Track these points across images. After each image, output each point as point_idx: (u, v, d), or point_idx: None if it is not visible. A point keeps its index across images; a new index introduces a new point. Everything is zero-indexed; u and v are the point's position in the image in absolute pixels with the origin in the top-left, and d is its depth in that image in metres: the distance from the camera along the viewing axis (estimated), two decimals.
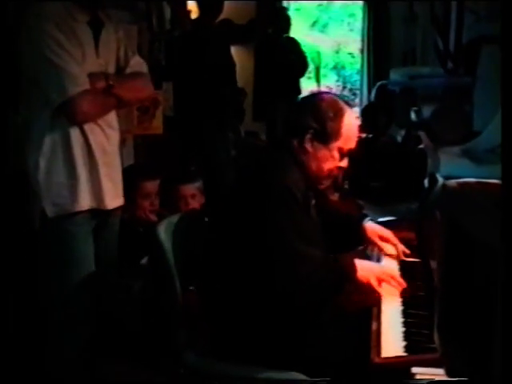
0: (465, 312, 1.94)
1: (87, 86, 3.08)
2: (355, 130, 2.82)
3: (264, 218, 2.56)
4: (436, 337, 2.13)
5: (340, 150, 2.75)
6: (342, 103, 2.80)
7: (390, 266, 2.94)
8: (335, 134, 2.72)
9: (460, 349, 1.93)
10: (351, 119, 2.79)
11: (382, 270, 2.74)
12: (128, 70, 3.33)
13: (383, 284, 2.65)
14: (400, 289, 2.66)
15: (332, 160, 2.76)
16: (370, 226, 3.15)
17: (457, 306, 2.01)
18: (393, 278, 2.69)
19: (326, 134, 2.71)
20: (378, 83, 8.64)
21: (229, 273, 2.67)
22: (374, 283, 2.62)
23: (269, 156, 2.83)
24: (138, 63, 3.41)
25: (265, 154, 2.96)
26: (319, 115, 2.73)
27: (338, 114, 2.73)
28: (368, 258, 3.11)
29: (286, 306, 2.56)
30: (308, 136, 2.72)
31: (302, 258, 2.56)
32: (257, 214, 2.58)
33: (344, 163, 2.81)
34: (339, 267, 2.63)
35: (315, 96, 2.90)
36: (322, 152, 2.74)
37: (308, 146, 2.73)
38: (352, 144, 2.79)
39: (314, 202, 2.88)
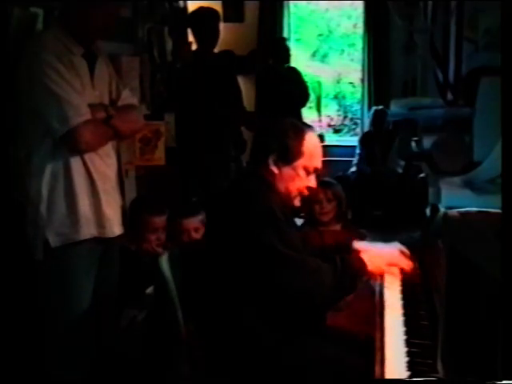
0: (468, 341, 1.94)
1: (89, 116, 3.11)
2: (318, 149, 2.91)
3: (255, 239, 2.63)
4: (440, 366, 2.14)
5: (305, 168, 2.84)
6: (301, 124, 2.95)
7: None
8: (298, 153, 2.81)
9: (464, 378, 1.93)
10: (312, 138, 2.89)
11: (391, 255, 2.89)
12: (120, 103, 3.36)
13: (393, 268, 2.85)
14: (411, 268, 2.84)
15: (299, 179, 2.85)
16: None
17: (460, 334, 2.01)
18: (401, 259, 2.87)
19: (289, 153, 2.81)
20: (375, 108, 8.70)
21: (225, 300, 2.68)
22: (386, 270, 2.83)
23: (244, 186, 2.89)
24: (128, 96, 3.45)
25: (239, 185, 3.01)
26: (280, 136, 2.83)
27: (298, 133, 2.84)
28: (372, 289, 3.11)
29: (303, 306, 2.71)
30: (272, 158, 2.81)
31: (301, 262, 2.68)
32: (247, 239, 2.65)
33: (312, 182, 2.90)
34: (349, 267, 2.73)
35: (276, 121, 3.00)
36: (288, 172, 2.83)
37: (273, 167, 2.81)
38: (317, 162, 2.88)
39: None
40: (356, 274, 2.74)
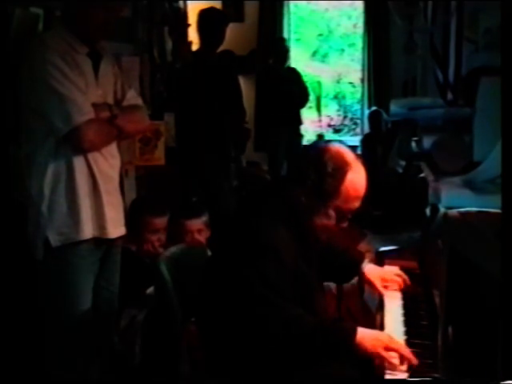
0: (468, 340, 1.94)
1: (92, 116, 3.10)
2: (359, 190, 2.50)
3: (247, 271, 2.42)
4: (440, 366, 2.14)
5: (337, 208, 2.50)
6: (349, 157, 2.50)
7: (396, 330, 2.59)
8: (332, 192, 2.46)
9: (464, 377, 1.93)
10: (356, 177, 2.49)
11: (390, 340, 2.36)
12: (125, 103, 3.36)
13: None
14: (411, 358, 2.28)
15: (326, 218, 2.52)
16: (369, 269, 3.00)
17: (460, 334, 2.02)
18: (399, 350, 2.31)
19: (323, 189, 2.46)
20: (369, 111, 8.74)
21: (220, 308, 2.65)
22: (381, 354, 2.31)
23: (263, 203, 2.61)
24: (133, 96, 3.44)
25: (261, 197, 2.70)
26: (318, 167, 2.47)
27: (340, 170, 2.46)
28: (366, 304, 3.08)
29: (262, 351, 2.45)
30: (304, 187, 2.48)
31: (277, 312, 2.39)
32: (242, 264, 2.44)
33: (344, 224, 2.57)
34: (336, 333, 2.38)
35: (322, 145, 2.60)
36: (317, 207, 2.50)
37: (303, 197, 2.49)
38: (354, 205, 2.51)
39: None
40: (341, 344, 2.36)
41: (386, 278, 2.99)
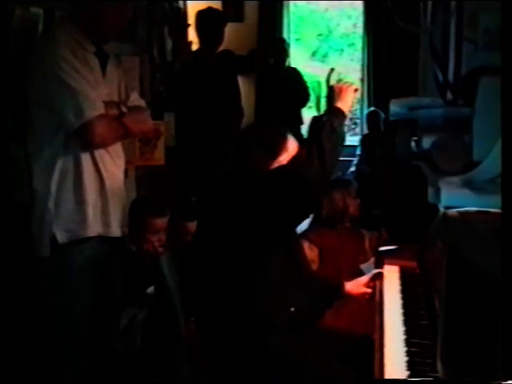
0: (467, 340, 1.94)
1: (103, 111, 3.12)
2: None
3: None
4: (439, 366, 2.14)
5: None
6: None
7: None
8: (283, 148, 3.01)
9: (464, 377, 1.93)
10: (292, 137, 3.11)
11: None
12: (129, 104, 3.37)
13: None
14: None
15: None
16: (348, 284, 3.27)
17: (459, 334, 2.02)
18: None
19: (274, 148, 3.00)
20: (367, 111, 8.73)
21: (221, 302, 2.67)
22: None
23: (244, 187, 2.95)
24: (137, 98, 3.47)
25: (235, 187, 3.04)
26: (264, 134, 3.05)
27: (281, 132, 3.10)
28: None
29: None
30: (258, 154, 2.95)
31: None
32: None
33: None
34: None
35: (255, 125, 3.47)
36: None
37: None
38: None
39: None
40: None
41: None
